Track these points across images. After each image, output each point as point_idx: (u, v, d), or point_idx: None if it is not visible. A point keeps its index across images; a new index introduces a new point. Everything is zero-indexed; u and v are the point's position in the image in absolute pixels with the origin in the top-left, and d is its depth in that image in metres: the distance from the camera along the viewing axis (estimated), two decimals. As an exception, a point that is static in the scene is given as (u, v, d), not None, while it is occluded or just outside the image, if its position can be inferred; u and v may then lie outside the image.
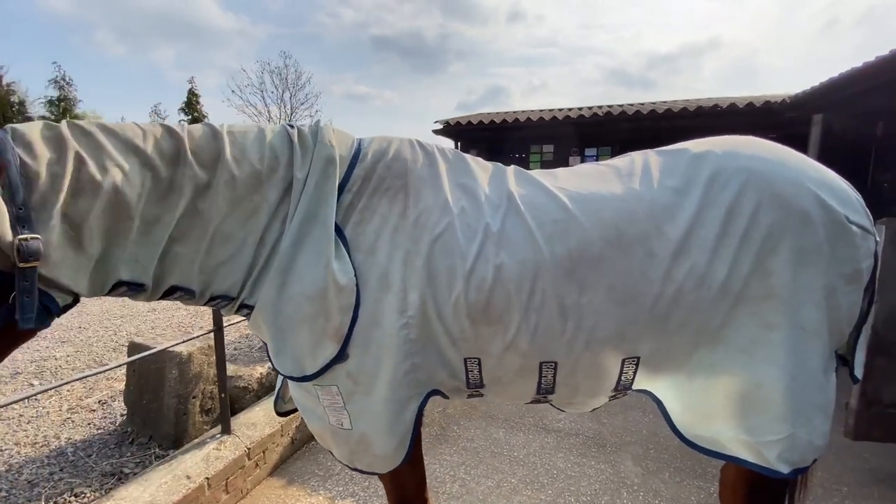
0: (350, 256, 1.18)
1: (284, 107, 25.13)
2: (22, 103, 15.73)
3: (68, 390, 3.72)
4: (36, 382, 4.00)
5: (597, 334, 1.18)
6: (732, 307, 1.13)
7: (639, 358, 1.22)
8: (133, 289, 1.14)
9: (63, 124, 1.02)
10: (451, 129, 6.71)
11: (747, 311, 1.13)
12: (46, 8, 61.87)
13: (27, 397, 2.27)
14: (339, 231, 1.19)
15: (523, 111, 6.69)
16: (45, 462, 2.72)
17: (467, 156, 1.39)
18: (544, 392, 1.31)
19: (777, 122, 5.63)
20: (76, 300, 1.14)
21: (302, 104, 25.73)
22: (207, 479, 2.26)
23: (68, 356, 4.68)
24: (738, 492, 1.31)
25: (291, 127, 1.25)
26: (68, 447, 2.88)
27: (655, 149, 1.33)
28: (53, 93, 17.60)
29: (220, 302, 1.24)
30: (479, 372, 1.27)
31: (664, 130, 5.41)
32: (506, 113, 6.51)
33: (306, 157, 1.21)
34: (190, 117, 20.22)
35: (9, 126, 0.99)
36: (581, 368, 1.23)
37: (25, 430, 3.10)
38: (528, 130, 6.57)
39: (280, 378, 1.45)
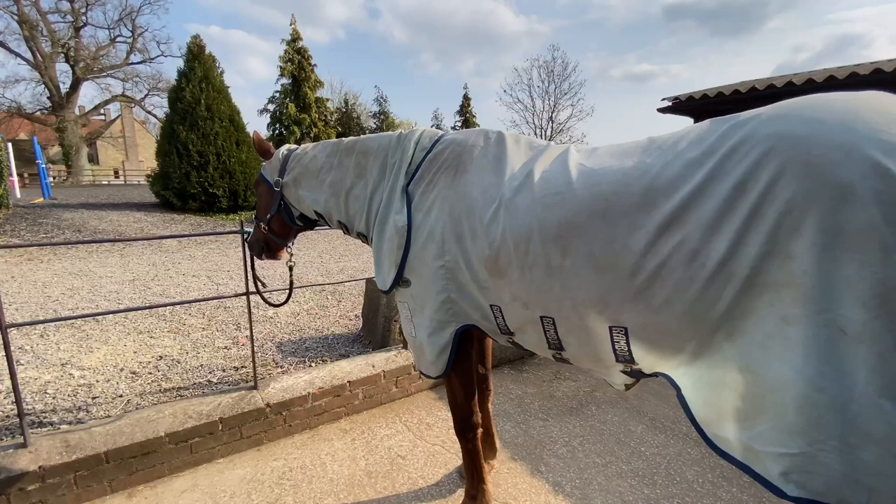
0: (412, 213, 1.70)
1: (549, 98, 26.24)
2: (359, 116, 22.53)
3: (344, 304, 5.58)
4: (328, 293, 6.12)
5: (580, 296, 1.28)
6: (744, 293, 1.03)
7: (626, 328, 1.24)
8: (321, 218, 2.08)
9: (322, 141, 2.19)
10: (683, 105, 5.84)
11: (767, 300, 1.01)
12: (395, 42, 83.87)
13: (313, 285, 3.76)
14: (408, 195, 1.73)
15: (768, 78, 5.15)
16: (316, 340, 4.33)
17: (524, 139, 1.66)
18: (555, 347, 1.47)
19: None
20: (312, 221, 2.20)
21: (564, 94, 26.22)
22: (384, 371, 3.19)
23: (336, 288, 6.87)
24: None
25: (401, 132, 1.91)
26: (330, 335, 4.46)
27: (718, 117, 1.21)
28: (375, 107, 24.61)
29: (361, 237, 2.00)
30: (503, 318, 1.55)
31: None
32: (756, 80, 5.17)
33: (397, 150, 1.83)
34: (462, 118, 23.90)
35: (297, 146, 2.26)
36: (574, 328, 1.35)
37: (314, 323, 4.93)
38: (789, 97, 4.99)
39: None
